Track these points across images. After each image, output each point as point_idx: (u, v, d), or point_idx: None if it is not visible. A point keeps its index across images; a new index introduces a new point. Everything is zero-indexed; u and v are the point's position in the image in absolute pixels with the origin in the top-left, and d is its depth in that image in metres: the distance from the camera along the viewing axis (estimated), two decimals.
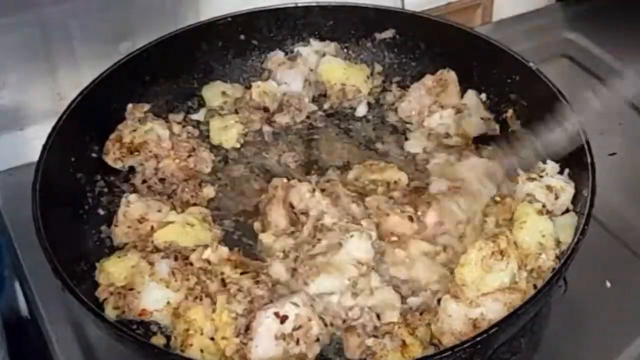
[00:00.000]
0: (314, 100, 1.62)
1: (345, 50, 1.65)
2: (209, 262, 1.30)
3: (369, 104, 1.61)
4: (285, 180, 1.41)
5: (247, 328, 1.21)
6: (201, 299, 1.25)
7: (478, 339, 1.12)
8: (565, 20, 1.95)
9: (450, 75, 1.55)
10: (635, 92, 1.73)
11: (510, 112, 1.53)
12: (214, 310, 1.23)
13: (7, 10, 1.53)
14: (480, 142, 1.52)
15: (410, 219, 1.34)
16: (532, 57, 1.50)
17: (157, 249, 1.33)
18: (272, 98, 1.59)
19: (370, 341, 1.21)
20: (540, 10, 1.99)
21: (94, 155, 1.48)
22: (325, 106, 1.61)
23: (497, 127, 1.54)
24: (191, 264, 1.30)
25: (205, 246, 1.32)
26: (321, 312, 1.24)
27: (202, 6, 1.68)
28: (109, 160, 1.47)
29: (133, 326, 1.27)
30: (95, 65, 1.54)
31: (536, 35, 1.88)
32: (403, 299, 1.27)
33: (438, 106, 1.55)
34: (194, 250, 1.32)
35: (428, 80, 1.56)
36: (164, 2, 1.65)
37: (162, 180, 1.46)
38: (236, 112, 1.58)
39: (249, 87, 1.60)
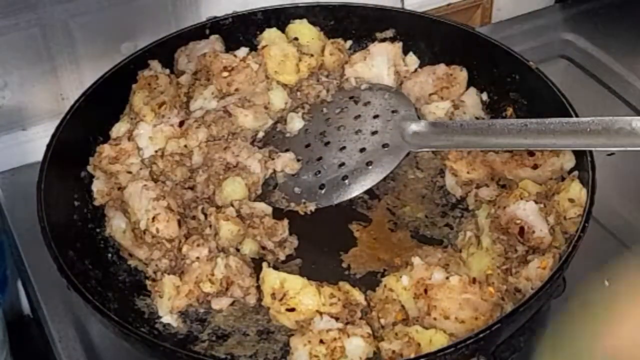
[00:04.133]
0: None
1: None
2: None
3: None
4: None
5: None
6: None
7: (481, 335, 1.13)
8: (564, 21, 1.96)
9: (462, 75, 1.56)
10: (634, 92, 1.75)
11: (510, 110, 1.53)
12: None
13: (8, 10, 1.53)
14: None
15: None
16: (532, 57, 1.50)
17: None
18: None
19: None
20: (539, 11, 1.99)
21: None
22: None
23: None
24: None
25: None
26: None
27: (202, 6, 1.68)
28: None
29: (137, 324, 1.28)
30: (97, 65, 1.55)
31: (535, 36, 1.88)
32: None
33: (439, 97, 1.55)
34: None
35: (441, 69, 1.56)
36: (165, 2, 1.66)
37: None
38: None
39: None
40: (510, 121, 1.40)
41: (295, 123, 1.50)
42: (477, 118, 1.54)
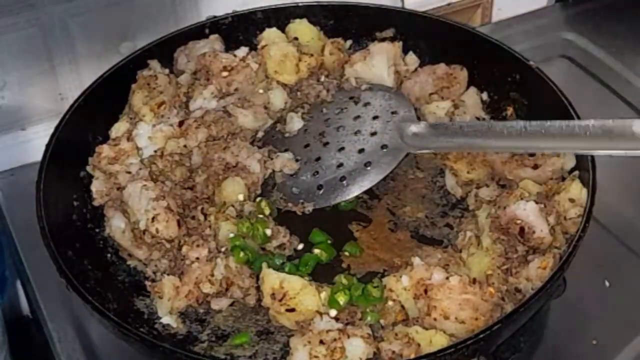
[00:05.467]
0: None
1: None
2: None
3: None
4: None
5: None
6: None
7: (481, 335, 1.13)
8: (564, 20, 1.96)
9: (462, 74, 1.55)
10: (634, 92, 1.75)
11: (510, 110, 1.53)
12: None
13: (7, 10, 1.53)
14: None
15: None
16: (532, 57, 1.50)
17: None
18: None
19: None
20: (540, 10, 1.99)
21: None
22: None
23: None
24: None
25: None
26: None
27: (202, 6, 1.68)
28: None
29: (137, 324, 1.28)
30: (96, 65, 1.55)
31: (536, 36, 1.89)
32: None
33: (439, 97, 1.55)
34: None
35: (441, 69, 1.56)
36: (164, 1, 1.66)
37: None
38: None
39: None
40: (510, 123, 1.40)
41: (295, 123, 1.50)
42: (477, 118, 1.53)
